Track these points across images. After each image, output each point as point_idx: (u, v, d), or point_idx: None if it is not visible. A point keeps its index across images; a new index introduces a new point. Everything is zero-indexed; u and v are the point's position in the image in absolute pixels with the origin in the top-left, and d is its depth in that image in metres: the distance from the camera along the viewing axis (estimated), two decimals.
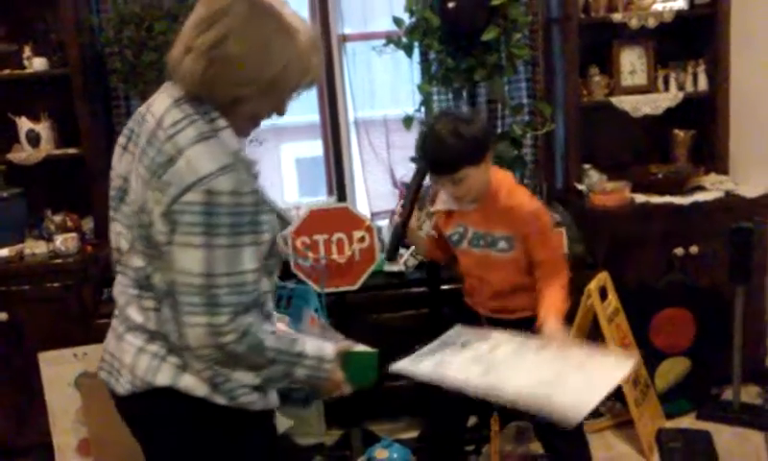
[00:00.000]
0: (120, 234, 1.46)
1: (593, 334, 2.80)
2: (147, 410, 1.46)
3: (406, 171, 3.52)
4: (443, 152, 2.06)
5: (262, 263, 1.39)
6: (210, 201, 1.27)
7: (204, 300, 1.29)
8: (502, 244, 2.17)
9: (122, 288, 1.48)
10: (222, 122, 1.36)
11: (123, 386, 1.45)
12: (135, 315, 1.44)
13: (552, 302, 2.08)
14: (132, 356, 1.43)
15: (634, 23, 3.20)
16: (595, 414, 3.07)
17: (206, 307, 1.29)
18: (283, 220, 1.56)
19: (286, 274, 2.84)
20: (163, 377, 1.40)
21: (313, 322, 2.47)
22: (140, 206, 1.36)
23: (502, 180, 2.21)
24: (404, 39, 3.19)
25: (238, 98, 1.36)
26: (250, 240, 1.32)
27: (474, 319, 2.27)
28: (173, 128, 1.34)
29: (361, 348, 1.69)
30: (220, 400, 1.41)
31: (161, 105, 1.40)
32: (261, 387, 1.45)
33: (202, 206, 1.27)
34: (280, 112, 1.47)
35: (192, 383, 1.40)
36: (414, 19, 3.17)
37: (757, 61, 3.08)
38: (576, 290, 2.78)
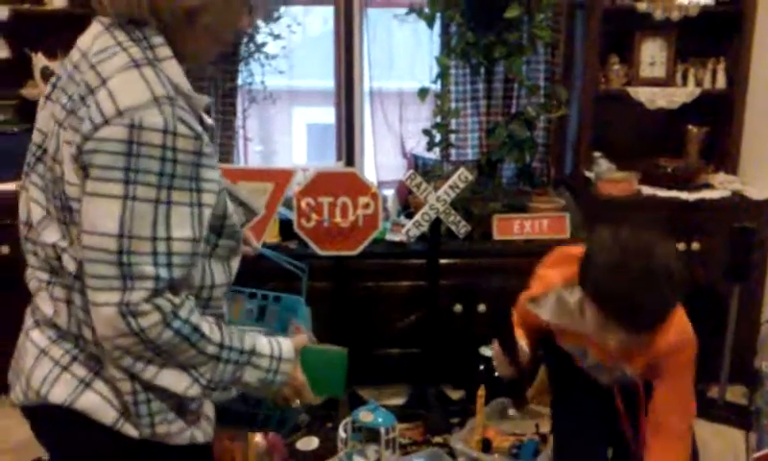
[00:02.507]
0: (33, 202, 1.15)
1: None
2: (38, 431, 1.20)
3: (416, 143, 3.53)
4: (649, 309, 1.52)
5: (206, 238, 1.12)
6: (133, 138, 0.99)
7: (116, 270, 1.00)
8: (628, 378, 1.79)
9: (32, 271, 1.19)
10: (165, 51, 1.08)
11: (17, 395, 1.18)
12: (45, 306, 1.15)
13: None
14: (32, 360, 1.15)
15: (658, 14, 3.17)
16: None
17: (120, 281, 1.00)
18: (249, 210, 1.41)
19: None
20: (59, 393, 1.10)
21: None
22: (52, 156, 1.09)
23: None
24: (426, 10, 3.18)
25: (193, 8, 1.09)
26: (185, 198, 1.03)
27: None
28: (98, 55, 1.06)
29: (328, 346, 1.42)
30: (132, 430, 1.10)
31: (89, 34, 1.12)
32: (191, 409, 1.17)
33: (121, 144, 0.99)
34: (242, 26, 1.20)
35: (94, 404, 1.10)
36: None
37: None
38: None
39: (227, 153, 3.45)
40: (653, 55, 3.33)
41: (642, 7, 3.17)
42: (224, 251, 1.18)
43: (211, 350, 1.10)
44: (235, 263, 1.23)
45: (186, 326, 1.06)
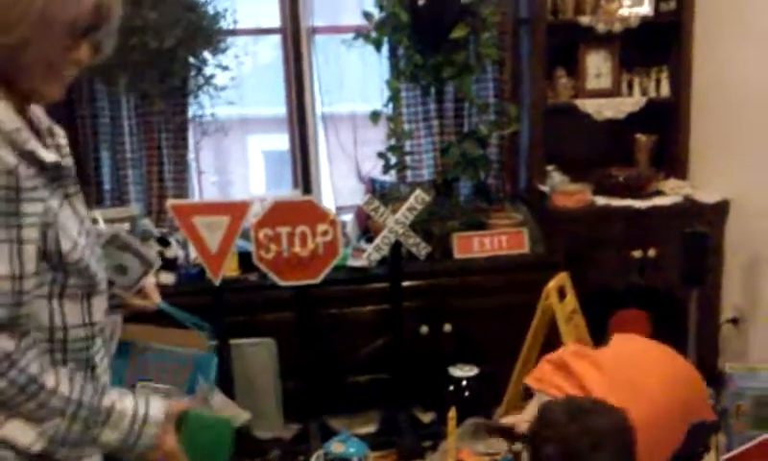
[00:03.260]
0: None
1: (551, 334, 2.83)
2: None
3: (372, 166, 3.53)
4: None
5: (53, 277, 1.09)
6: None
7: None
8: None
9: None
10: None
11: None
12: None
13: None
14: None
15: (601, 27, 3.24)
16: None
17: None
18: (145, 261, 1.41)
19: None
20: None
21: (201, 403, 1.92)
22: None
23: None
24: (373, 34, 3.19)
25: (10, 46, 1.05)
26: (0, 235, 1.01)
27: None
28: None
29: (215, 414, 1.33)
30: None
31: None
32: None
33: None
34: (81, 58, 1.12)
35: None
36: (384, 14, 3.17)
37: (719, 70, 3.14)
38: (536, 290, 2.83)
39: (180, 188, 3.39)
40: (598, 66, 3.39)
41: (585, 20, 3.24)
42: (77, 290, 1.12)
43: (56, 403, 1.06)
44: (98, 302, 1.16)
45: (22, 375, 1.02)
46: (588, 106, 3.29)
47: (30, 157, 1.06)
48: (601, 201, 3.20)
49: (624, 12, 3.28)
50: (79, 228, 1.13)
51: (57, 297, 1.10)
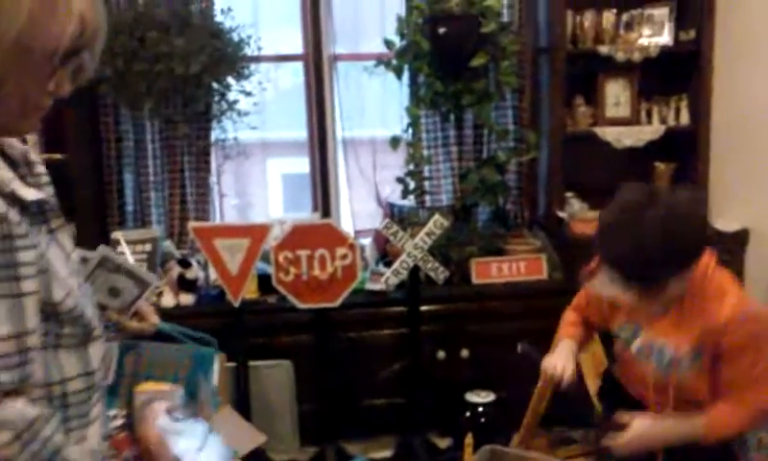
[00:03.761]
0: None
1: None
2: None
3: (391, 191, 3.56)
4: (634, 256, 1.54)
5: (45, 328, 0.98)
6: None
7: None
8: (685, 363, 1.68)
9: None
10: None
11: None
12: None
13: (715, 414, 1.64)
14: None
15: (620, 56, 3.26)
16: (567, 441, 3.09)
17: None
18: (141, 281, 1.34)
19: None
20: None
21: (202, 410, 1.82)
22: None
23: (709, 278, 1.66)
24: (394, 62, 3.24)
25: None
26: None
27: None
28: None
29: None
30: None
31: None
32: None
33: None
34: (60, 91, 1.01)
35: None
36: (404, 42, 3.22)
37: (738, 99, 3.14)
38: (554, 316, 2.82)
39: (202, 210, 3.44)
40: (617, 95, 3.41)
41: (604, 50, 3.26)
42: (73, 339, 1.03)
43: None
44: (95, 350, 1.06)
45: (46, 448, 0.93)
46: (608, 134, 3.30)
47: (11, 198, 0.95)
48: None
49: (644, 41, 3.31)
50: (68, 268, 1.04)
51: (51, 348, 1.00)
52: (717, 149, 3.30)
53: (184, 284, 3.02)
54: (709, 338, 1.63)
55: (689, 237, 1.56)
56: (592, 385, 2.66)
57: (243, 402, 2.71)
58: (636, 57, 3.25)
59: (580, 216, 3.24)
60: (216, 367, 1.83)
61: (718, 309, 1.62)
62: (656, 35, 3.32)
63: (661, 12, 3.31)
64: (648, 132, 3.33)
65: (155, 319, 1.52)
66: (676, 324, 1.68)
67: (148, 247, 3.18)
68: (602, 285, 1.65)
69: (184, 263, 3.04)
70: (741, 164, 3.18)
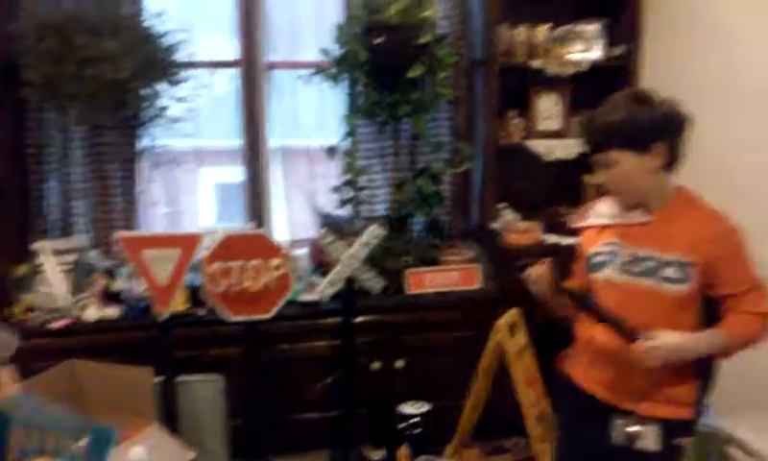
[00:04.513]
0: None
1: (501, 369, 2.84)
2: None
3: (327, 200, 3.53)
4: (599, 125, 1.75)
5: None
6: None
7: None
8: (671, 272, 1.71)
9: None
10: None
11: None
12: None
13: (731, 322, 1.71)
14: None
15: (551, 70, 3.33)
16: (499, 450, 3.12)
17: None
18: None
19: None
20: None
21: None
22: None
23: (687, 194, 1.82)
24: (331, 70, 3.22)
25: None
26: None
27: (590, 409, 1.87)
28: None
29: None
30: None
31: None
32: None
33: None
34: None
35: None
36: (342, 51, 3.21)
37: None
38: (487, 326, 2.85)
39: (130, 220, 3.33)
40: (548, 109, 3.47)
41: (536, 64, 3.32)
42: None
43: None
44: None
45: None
46: (539, 146, 3.35)
47: None
48: (551, 238, 3.25)
49: (575, 56, 3.39)
50: None
51: None
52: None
53: (110, 296, 2.92)
54: (708, 248, 1.70)
55: (648, 116, 1.71)
56: (524, 395, 2.69)
57: (171, 419, 2.63)
58: (568, 71, 3.33)
59: (512, 227, 3.28)
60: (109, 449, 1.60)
61: (716, 220, 1.74)
62: (587, 50, 3.40)
63: (592, 28, 3.40)
64: (578, 144, 3.40)
65: (11, 389, 1.31)
66: (660, 235, 1.74)
67: (72, 257, 3.06)
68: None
69: (110, 274, 2.94)
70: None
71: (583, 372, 1.91)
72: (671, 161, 1.77)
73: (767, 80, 2.51)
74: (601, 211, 1.90)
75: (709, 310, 1.78)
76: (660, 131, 1.73)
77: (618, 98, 1.77)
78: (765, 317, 1.71)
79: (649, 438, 1.76)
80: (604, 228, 1.86)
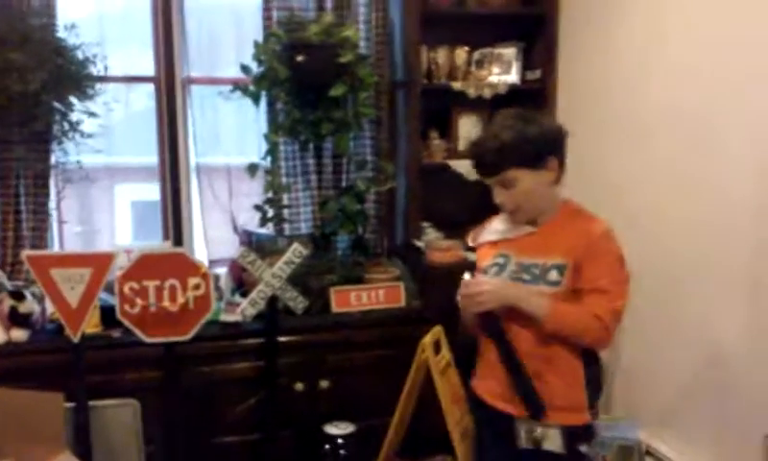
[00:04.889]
0: None
1: (426, 387, 2.85)
2: None
3: (248, 218, 3.47)
4: (493, 146, 1.78)
5: None
6: None
7: None
8: (553, 275, 1.81)
9: None
10: None
11: None
12: None
13: (564, 306, 1.78)
14: None
15: (471, 92, 3.41)
16: None
17: None
18: None
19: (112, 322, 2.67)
20: None
21: None
22: None
23: (572, 205, 1.93)
24: (251, 87, 3.18)
25: None
26: None
27: (495, 420, 1.93)
28: None
29: None
30: None
31: None
32: None
33: None
34: None
35: None
36: (262, 69, 3.17)
37: (582, 133, 3.34)
38: (412, 344, 2.85)
39: (39, 238, 3.17)
40: (469, 129, 3.54)
41: (457, 86, 3.39)
42: None
43: None
44: None
45: None
46: (461, 166, 3.41)
47: None
48: (472, 256, 3.29)
49: (493, 79, 3.48)
50: None
51: None
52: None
53: (17, 319, 2.75)
54: (580, 248, 1.79)
55: (538, 132, 1.80)
56: (450, 412, 2.70)
57: (84, 446, 2.49)
58: (487, 93, 3.42)
59: (435, 245, 3.32)
60: None
61: (591, 225, 1.84)
62: (504, 73, 3.50)
63: (509, 52, 3.51)
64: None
65: None
66: (544, 244, 1.84)
67: None
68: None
69: (17, 296, 2.78)
70: (584, 194, 3.39)
71: (483, 385, 1.99)
72: (560, 174, 1.88)
73: (679, 107, 2.64)
74: (493, 228, 2.01)
75: None
76: (551, 144, 1.83)
77: (502, 119, 1.83)
78: (597, 319, 1.76)
79: (554, 439, 1.82)
80: (496, 243, 1.97)
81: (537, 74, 3.51)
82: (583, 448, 1.83)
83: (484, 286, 1.79)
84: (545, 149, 1.81)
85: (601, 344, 1.84)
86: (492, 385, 1.93)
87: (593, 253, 1.79)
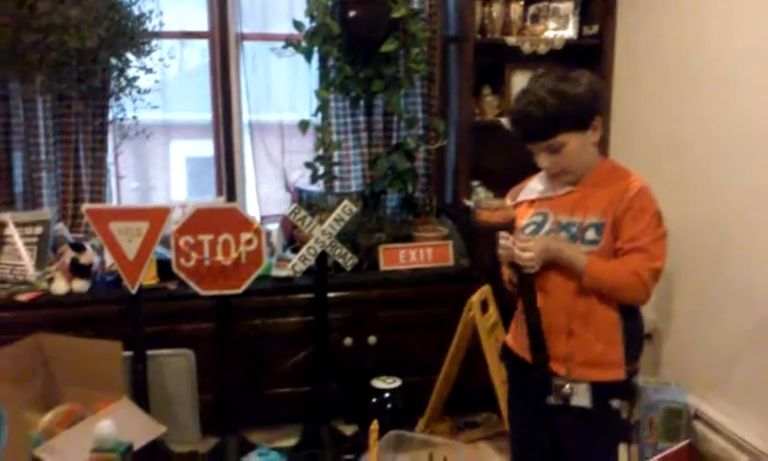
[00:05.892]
0: None
1: (473, 344, 2.86)
2: None
3: (299, 175, 3.50)
4: (539, 112, 1.74)
5: None
6: None
7: None
8: (591, 233, 1.79)
9: None
10: None
11: None
12: None
13: (603, 263, 1.74)
14: None
15: (526, 48, 3.32)
16: (471, 425, 3.15)
17: None
18: None
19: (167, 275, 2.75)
20: None
21: None
22: None
23: (611, 163, 1.90)
24: (303, 44, 3.18)
25: None
26: None
27: (526, 374, 1.91)
28: None
29: None
30: None
31: None
32: None
33: None
34: None
35: None
36: (314, 24, 3.16)
37: (639, 90, 3.27)
38: (459, 302, 2.86)
39: (98, 192, 3.27)
40: (523, 86, 3.46)
41: (511, 41, 3.31)
42: None
43: None
44: None
45: None
46: None
47: None
48: None
49: (549, 34, 3.39)
50: None
51: None
52: (617, 138, 3.41)
53: (78, 270, 2.86)
54: (617, 205, 1.76)
55: (583, 92, 1.75)
56: (495, 371, 2.71)
57: (141, 393, 2.59)
58: (542, 48, 3.32)
59: (485, 205, 3.27)
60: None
61: (629, 182, 1.79)
62: (561, 28, 3.40)
63: (567, 6, 3.40)
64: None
65: None
66: (582, 203, 1.82)
67: (39, 230, 3.00)
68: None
69: (78, 247, 2.88)
70: (642, 152, 3.31)
71: (515, 339, 1.99)
72: (602, 133, 1.85)
73: (734, 58, 2.54)
74: (531, 188, 1.99)
75: None
76: (596, 103, 1.80)
77: (544, 82, 1.78)
78: (636, 275, 1.72)
79: (582, 395, 1.80)
80: (533, 201, 1.95)
81: (594, 29, 3.39)
82: (615, 404, 1.81)
83: (529, 251, 1.77)
84: (590, 109, 1.78)
85: (639, 301, 1.81)
86: (524, 340, 1.91)
87: (631, 210, 1.76)
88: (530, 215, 1.92)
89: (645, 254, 1.74)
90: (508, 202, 2.09)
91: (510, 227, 1.90)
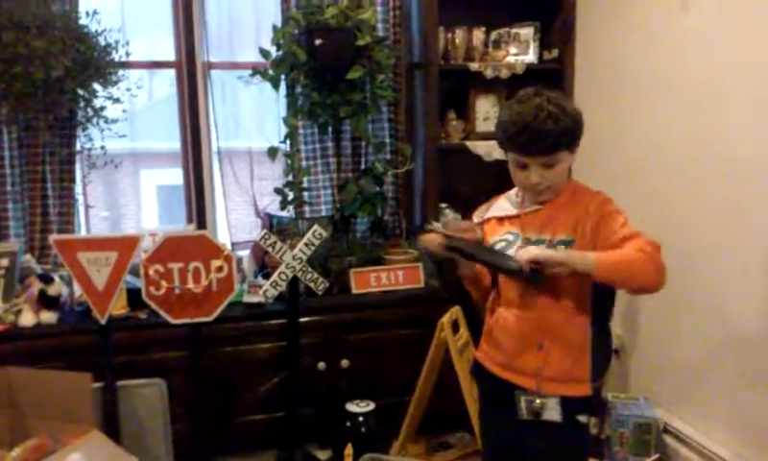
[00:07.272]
0: None
1: (446, 366, 2.89)
2: None
3: (269, 202, 3.52)
4: (554, 127, 1.74)
5: None
6: None
7: None
8: (560, 250, 1.79)
9: None
10: None
11: None
12: None
13: (606, 253, 1.72)
14: None
15: (488, 73, 3.40)
16: (445, 445, 3.17)
17: None
18: None
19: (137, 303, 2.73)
20: None
21: None
22: None
23: (575, 183, 1.95)
24: (270, 71, 3.21)
25: None
26: None
27: (497, 390, 1.95)
28: None
29: None
30: None
31: None
32: None
33: None
34: None
35: None
36: (281, 52, 3.20)
37: (599, 111, 3.36)
38: (431, 323, 2.89)
39: (66, 222, 3.25)
40: (486, 110, 3.54)
41: (474, 66, 3.39)
42: None
43: None
44: None
45: None
46: (479, 147, 3.42)
47: None
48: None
49: (511, 59, 3.47)
50: None
51: None
52: (578, 163, 3.49)
53: (46, 301, 2.84)
54: (588, 219, 1.80)
55: (580, 113, 1.83)
56: (468, 390, 2.74)
57: (112, 425, 2.57)
58: (504, 73, 3.41)
59: (453, 226, 3.33)
60: None
61: (592, 197, 1.86)
62: (522, 53, 3.49)
63: (527, 32, 3.50)
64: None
65: None
66: (549, 220, 1.85)
67: (5, 262, 2.97)
68: (520, 176, 1.88)
69: (46, 279, 2.86)
70: (602, 175, 3.40)
71: (485, 354, 2.01)
72: None
73: (689, 78, 2.63)
74: (499, 205, 2.04)
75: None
76: (582, 128, 1.84)
77: (551, 99, 1.78)
78: (642, 252, 1.71)
79: (553, 409, 1.84)
80: (502, 219, 1.99)
81: (554, 54, 3.50)
82: (582, 419, 1.85)
83: (557, 257, 1.73)
84: (581, 133, 1.84)
85: (652, 282, 1.74)
86: (494, 355, 1.95)
87: (603, 217, 1.80)
88: (501, 233, 1.95)
89: (637, 238, 1.75)
90: (475, 220, 2.12)
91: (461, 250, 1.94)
